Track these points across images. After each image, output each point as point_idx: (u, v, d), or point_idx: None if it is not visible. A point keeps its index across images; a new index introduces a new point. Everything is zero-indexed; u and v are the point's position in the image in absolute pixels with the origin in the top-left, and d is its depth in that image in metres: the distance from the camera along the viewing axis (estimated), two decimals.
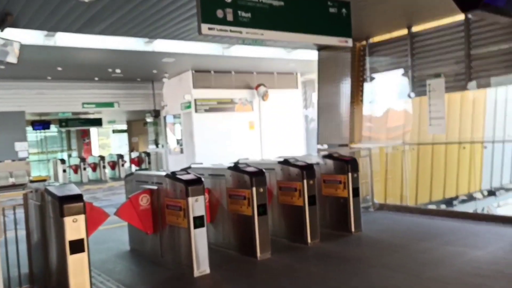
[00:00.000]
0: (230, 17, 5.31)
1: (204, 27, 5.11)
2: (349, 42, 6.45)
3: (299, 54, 15.33)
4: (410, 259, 5.24)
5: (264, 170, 5.70)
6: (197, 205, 4.87)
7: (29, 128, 19.81)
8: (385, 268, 4.96)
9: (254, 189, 5.38)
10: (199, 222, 4.91)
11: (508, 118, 14.07)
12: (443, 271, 4.71)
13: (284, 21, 5.84)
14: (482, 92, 13.13)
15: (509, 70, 7.36)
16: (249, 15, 5.45)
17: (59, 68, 14.33)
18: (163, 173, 5.26)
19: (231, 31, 5.32)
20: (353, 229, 6.62)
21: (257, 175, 5.48)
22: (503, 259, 4.99)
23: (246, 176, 5.45)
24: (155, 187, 5.39)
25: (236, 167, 5.68)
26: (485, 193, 14.50)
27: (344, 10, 6.37)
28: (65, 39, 11.16)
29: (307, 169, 6.08)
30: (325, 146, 10.03)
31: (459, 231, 6.45)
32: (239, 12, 5.38)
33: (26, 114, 16.84)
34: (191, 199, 4.80)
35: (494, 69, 7.61)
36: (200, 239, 4.95)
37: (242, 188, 5.49)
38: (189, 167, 6.40)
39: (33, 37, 10.54)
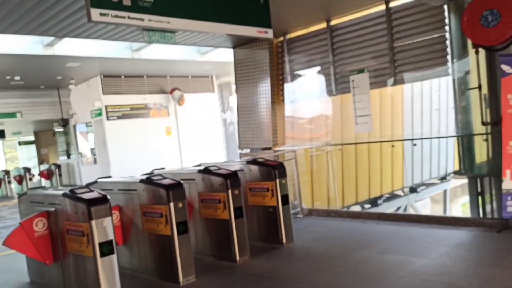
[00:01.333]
0: (127, 1, 4.52)
1: (95, 13, 4.27)
2: (269, 33, 5.76)
3: (214, 56, 14.73)
4: (350, 273, 4.70)
5: (182, 181, 4.96)
6: (104, 229, 4.03)
7: None
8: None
9: (171, 204, 4.60)
10: (107, 248, 4.07)
11: (424, 114, 14.29)
12: (390, 286, 4.21)
13: (194, 8, 5.13)
14: (399, 88, 13.18)
15: (433, 62, 7.14)
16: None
17: None
18: (61, 192, 4.34)
19: (129, 17, 4.53)
20: (284, 241, 6.03)
21: (174, 188, 4.71)
22: (451, 267, 4.57)
23: (162, 190, 4.66)
24: (52, 209, 4.45)
25: (149, 180, 4.86)
26: (407, 190, 14.66)
27: None
28: None
29: (231, 178, 5.39)
30: (247, 151, 9.42)
31: (395, 236, 6.05)
32: None
33: None
34: (95, 222, 3.95)
35: (417, 62, 7.37)
36: (109, 267, 4.11)
37: (158, 204, 4.69)
38: (95, 182, 5.51)
39: None
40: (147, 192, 4.80)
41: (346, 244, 5.90)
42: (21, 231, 4.37)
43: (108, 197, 4.13)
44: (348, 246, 5.74)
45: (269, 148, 9.03)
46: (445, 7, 6.97)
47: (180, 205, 4.66)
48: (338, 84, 8.47)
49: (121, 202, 5.12)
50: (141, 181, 4.88)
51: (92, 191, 4.20)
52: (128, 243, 5.21)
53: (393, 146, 10.88)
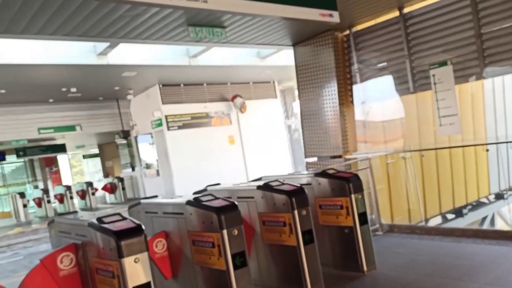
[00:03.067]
0: None
1: None
2: (335, 17, 4.65)
3: (275, 59, 13.93)
4: None
5: (239, 200, 4.10)
6: (136, 269, 3.21)
7: None
8: None
9: (224, 232, 3.71)
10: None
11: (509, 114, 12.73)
12: None
13: None
14: (479, 83, 11.73)
15: None
16: None
17: (2, 91, 12.48)
18: (86, 220, 3.54)
19: None
20: (365, 268, 5.00)
21: (228, 211, 3.78)
22: None
23: (212, 214, 3.75)
24: (79, 242, 3.66)
25: (197, 201, 3.96)
26: (493, 197, 13.11)
27: None
28: None
29: (297, 195, 4.43)
30: (315, 160, 8.45)
31: (502, 260, 4.87)
32: None
33: None
34: (126, 261, 3.14)
35: (508, 51, 6.15)
36: None
37: (209, 232, 3.81)
38: (138, 204, 4.75)
39: None
40: (196, 216, 3.92)
41: (441, 271, 4.79)
42: (42, 270, 3.52)
43: (143, 227, 3.29)
44: (446, 275, 4.64)
45: (339, 156, 8.02)
46: None
47: (236, 232, 3.75)
48: (415, 81, 7.35)
49: (168, 227, 4.29)
50: (188, 202, 4.02)
51: (124, 218, 3.38)
52: (177, 277, 4.36)
53: (487, 150, 9.37)
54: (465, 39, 6.57)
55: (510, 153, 12.81)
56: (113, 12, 5.95)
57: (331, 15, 4.53)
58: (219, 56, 12.99)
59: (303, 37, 8.66)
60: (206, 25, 6.74)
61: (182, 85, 15.43)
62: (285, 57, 12.77)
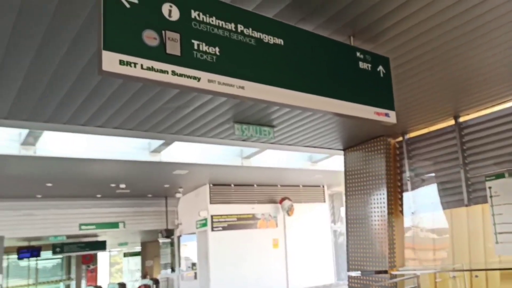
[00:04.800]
0: (173, 49, 3.03)
1: (111, 58, 2.73)
2: (392, 117, 4.27)
3: (326, 164, 13.71)
4: None
5: None
6: None
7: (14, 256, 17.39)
8: None
9: None
10: None
11: None
12: None
13: (283, 72, 3.62)
14: None
15: None
16: (216, 50, 3.24)
17: (49, 184, 12.60)
18: None
19: (174, 73, 2.97)
20: None
21: None
22: None
23: None
24: None
25: None
26: None
27: (381, 68, 4.32)
28: (47, 148, 9.45)
29: None
30: (358, 274, 7.81)
31: None
32: (195, 41, 3.14)
33: (6, 239, 14.73)
34: None
35: None
36: None
37: None
38: None
39: (7, 146, 8.99)
40: None
41: None
42: None
43: None
44: None
45: (385, 272, 7.38)
46: None
47: None
48: (470, 192, 6.87)
49: None
50: None
51: None
52: None
53: (476, 276, 8.14)
54: None
55: None
56: (150, 104, 5.92)
57: (387, 115, 4.20)
58: (271, 158, 12.90)
59: (354, 141, 8.47)
60: (253, 123, 6.65)
61: (232, 185, 15.35)
62: (336, 161, 12.55)
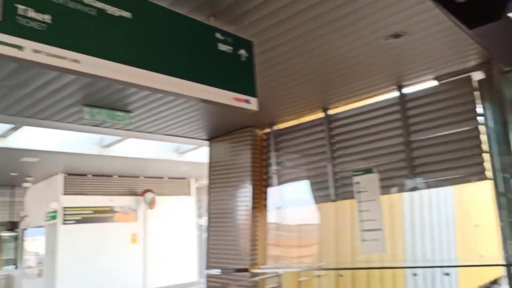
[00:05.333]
0: None
1: None
2: (253, 104, 3.85)
3: (193, 155, 13.18)
4: None
5: None
6: None
7: None
8: None
9: None
10: None
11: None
12: None
13: (130, 48, 3.12)
14: (399, 195, 11.25)
15: (463, 163, 5.54)
16: (46, 17, 2.71)
17: None
18: None
19: None
20: None
21: None
22: None
23: None
24: None
25: None
26: None
27: (244, 52, 3.88)
28: None
29: None
30: (217, 272, 7.43)
31: None
32: (20, 6, 2.61)
33: None
34: None
35: (438, 162, 5.76)
36: None
37: None
38: None
39: None
40: None
41: None
42: None
43: None
44: None
45: (246, 270, 7.07)
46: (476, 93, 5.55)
47: None
48: (338, 187, 6.78)
49: None
50: None
51: None
52: None
53: (415, 274, 8.34)
54: (393, 146, 6.15)
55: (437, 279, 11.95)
56: None
57: (247, 101, 3.76)
58: (134, 148, 12.06)
59: (220, 131, 8.03)
60: (106, 107, 5.89)
61: (89, 175, 14.14)
62: (205, 153, 12.12)
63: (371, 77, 5.65)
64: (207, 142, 8.45)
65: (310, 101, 6.62)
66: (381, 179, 5.96)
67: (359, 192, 6.04)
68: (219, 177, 8.05)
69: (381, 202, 5.88)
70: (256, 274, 6.95)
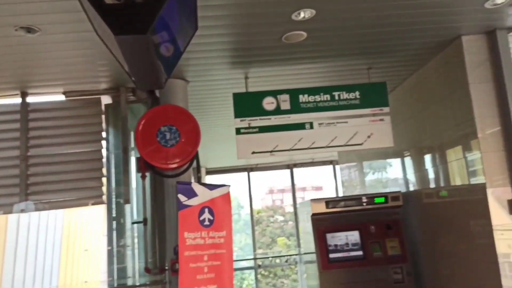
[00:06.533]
0: None
1: None
2: None
3: None
4: None
5: None
6: None
7: None
8: None
9: None
10: None
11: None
12: None
13: None
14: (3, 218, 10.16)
15: (84, 184, 5.29)
16: None
17: None
18: None
19: None
20: None
21: None
22: None
23: None
24: None
25: None
26: None
27: None
28: None
29: None
30: None
31: None
32: None
33: None
34: None
35: (55, 182, 5.34)
36: None
37: None
38: None
39: None
40: None
41: None
42: None
43: None
44: None
45: None
46: (103, 116, 5.48)
47: None
48: None
49: None
50: None
51: None
52: None
53: None
54: (6, 160, 5.33)
55: None
56: None
57: None
58: None
59: None
60: None
61: None
62: None
63: None
64: None
65: None
66: None
67: None
68: None
69: None
70: None
